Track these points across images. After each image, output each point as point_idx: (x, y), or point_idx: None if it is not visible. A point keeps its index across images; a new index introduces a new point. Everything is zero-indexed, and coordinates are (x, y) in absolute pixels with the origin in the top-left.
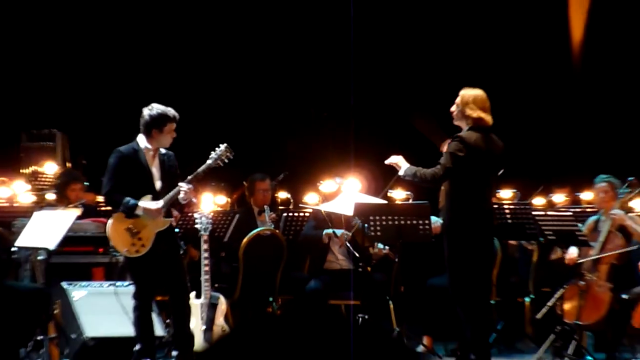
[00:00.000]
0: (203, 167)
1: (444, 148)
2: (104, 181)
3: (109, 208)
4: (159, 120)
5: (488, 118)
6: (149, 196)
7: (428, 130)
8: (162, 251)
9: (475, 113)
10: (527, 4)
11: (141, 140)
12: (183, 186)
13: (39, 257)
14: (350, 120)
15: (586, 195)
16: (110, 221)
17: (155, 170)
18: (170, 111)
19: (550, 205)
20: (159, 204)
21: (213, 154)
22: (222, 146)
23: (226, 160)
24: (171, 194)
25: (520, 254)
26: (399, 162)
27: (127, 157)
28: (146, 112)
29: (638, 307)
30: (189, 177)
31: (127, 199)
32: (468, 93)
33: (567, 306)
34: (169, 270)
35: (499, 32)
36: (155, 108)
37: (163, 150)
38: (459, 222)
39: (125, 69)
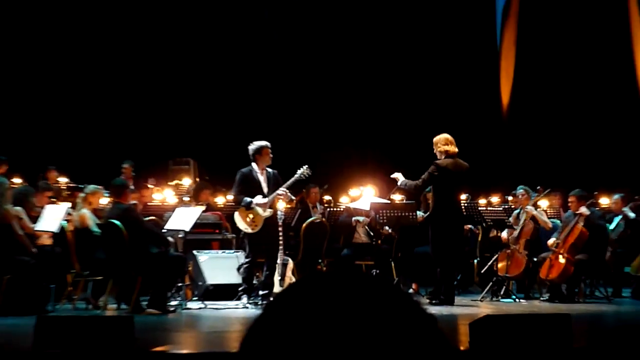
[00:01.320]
0: (292, 179)
1: None
2: (233, 189)
3: (220, 205)
4: (257, 150)
5: (453, 148)
6: (260, 196)
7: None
8: (266, 230)
9: (443, 148)
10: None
11: (253, 164)
12: (280, 190)
13: (179, 236)
14: (367, 150)
15: (511, 197)
16: (236, 212)
17: (263, 181)
18: (263, 142)
19: (489, 203)
20: (265, 200)
21: (299, 171)
22: (305, 167)
23: (307, 176)
24: (273, 195)
25: (471, 233)
26: (399, 177)
27: (245, 174)
28: (250, 147)
29: (543, 266)
30: (284, 185)
31: (246, 198)
32: (435, 138)
33: (500, 265)
34: (269, 242)
35: (455, 97)
36: (254, 143)
37: (269, 170)
38: (438, 215)
39: (231, 113)
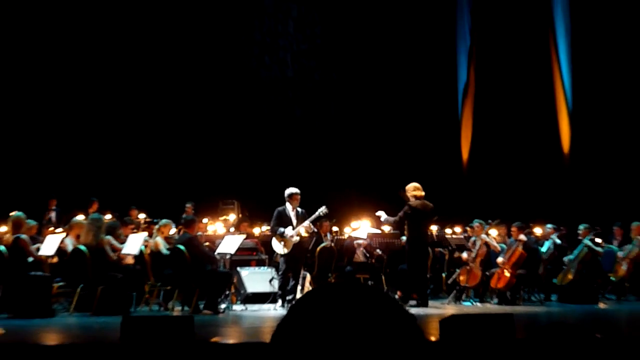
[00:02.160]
0: (314, 215)
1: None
2: (272, 221)
3: (257, 234)
4: (290, 195)
5: (420, 193)
6: (290, 227)
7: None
8: (294, 252)
9: (413, 193)
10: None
11: (287, 204)
12: (305, 223)
13: (226, 257)
14: (365, 193)
15: (469, 228)
16: (273, 239)
17: (293, 217)
18: (295, 190)
19: (454, 232)
20: (293, 231)
21: (319, 210)
22: (323, 207)
23: (324, 214)
24: (298, 227)
25: (440, 254)
26: (382, 214)
27: (281, 212)
28: (286, 191)
29: (493, 278)
30: (308, 220)
31: (280, 229)
32: (407, 186)
33: (461, 277)
34: (296, 261)
35: (429, 156)
36: (289, 189)
37: (299, 209)
38: (411, 242)
39: (264, 167)
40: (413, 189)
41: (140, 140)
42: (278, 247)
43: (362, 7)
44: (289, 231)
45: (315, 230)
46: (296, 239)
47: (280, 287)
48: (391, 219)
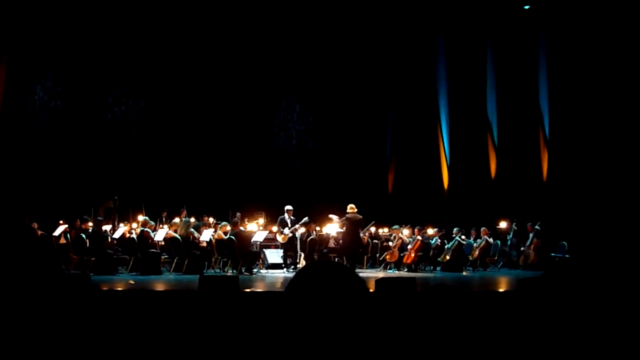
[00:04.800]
0: (301, 222)
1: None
2: (277, 224)
3: (274, 231)
4: (287, 210)
5: (354, 210)
6: (287, 229)
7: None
8: (290, 242)
9: (350, 210)
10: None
11: (285, 214)
12: (297, 226)
13: (257, 242)
14: (334, 207)
15: (392, 229)
16: (277, 234)
17: (289, 222)
18: (290, 207)
19: (383, 232)
20: (288, 230)
21: (303, 219)
22: (306, 217)
23: (307, 221)
24: (292, 228)
25: (376, 244)
26: (333, 217)
27: (282, 218)
28: (285, 207)
29: (404, 257)
30: (297, 224)
31: (280, 229)
32: (348, 206)
33: (387, 257)
34: (292, 247)
35: (372, 192)
36: (287, 206)
37: (292, 217)
38: (346, 236)
39: (274, 197)
40: (350, 208)
41: (213, 177)
42: (280, 238)
43: (335, 111)
44: (285, 231)
45: (303, 230)
46: (290, 234)
47: (284, 260)
48: (338, 221)
